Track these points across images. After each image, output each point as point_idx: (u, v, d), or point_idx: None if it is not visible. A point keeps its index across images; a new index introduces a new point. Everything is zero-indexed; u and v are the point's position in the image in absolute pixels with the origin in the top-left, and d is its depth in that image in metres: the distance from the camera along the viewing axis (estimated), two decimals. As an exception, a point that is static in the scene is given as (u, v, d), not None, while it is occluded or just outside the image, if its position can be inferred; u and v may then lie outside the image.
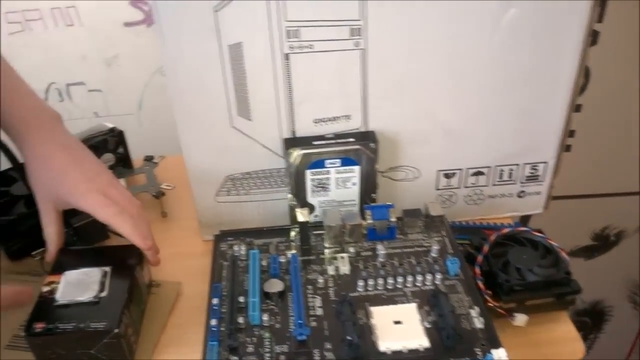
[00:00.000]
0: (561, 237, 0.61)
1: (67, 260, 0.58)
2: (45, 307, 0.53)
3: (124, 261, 0.58)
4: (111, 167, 0.80)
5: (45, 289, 0.55)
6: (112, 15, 1.09)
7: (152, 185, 0.75)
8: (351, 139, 0.60)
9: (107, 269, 0.56)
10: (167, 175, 0.79)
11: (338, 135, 0.61)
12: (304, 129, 0.61)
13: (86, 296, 0.53)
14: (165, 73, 0.57)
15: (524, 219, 0.88)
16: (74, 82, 1.17)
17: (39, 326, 0.51)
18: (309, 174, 0.61)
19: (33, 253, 0.69)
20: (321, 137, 0.61)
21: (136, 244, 0.57)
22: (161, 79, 1.18)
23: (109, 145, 0.80)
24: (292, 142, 0.61)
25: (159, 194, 0.74)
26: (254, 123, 0.61)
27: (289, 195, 0.64)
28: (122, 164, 0.81)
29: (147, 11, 1.10)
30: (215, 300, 0.53)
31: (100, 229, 0.68)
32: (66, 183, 0.58)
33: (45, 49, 1.12)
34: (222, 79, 0.58)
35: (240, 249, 0.59)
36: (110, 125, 0.82)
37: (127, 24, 1.10)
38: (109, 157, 0.80)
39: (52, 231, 0.59)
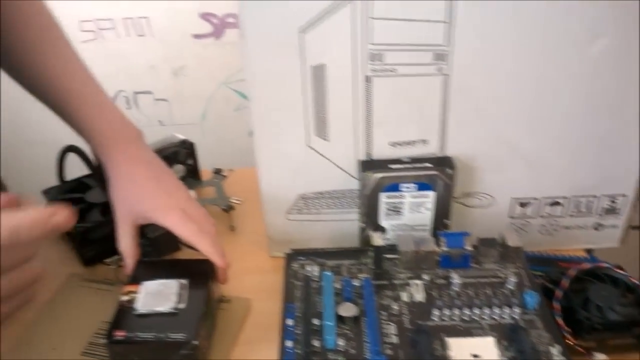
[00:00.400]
0: (629, 268, 0.59)
1: (143, 270, 0.59)
2: (125, 315, 0.54)
3: (198, 274, 0.58)
4: (181, 179, 0.81)
5: (124, 298, 0.56)
6: (182, 26, 1.12)
7: (221, 199, 0.76)
8: (428, 164, 0.60)
9: (184, 281, 0.57)
10: (234, 188, 0.80)
11: (414, 160, 0.61)
12: (380, 151, 0.61)
13: (165, 307, 0.54)
14: (248, 89, 0.58)
15: (589, 249, 0.85)
16: (142, 90, 1.20)
17: (119, 334, 0.52)
18: (383, 197, 0.61)
19: (106, 261, 0.71)
20: (398, 161, 0.60)
21: (215, 261, 0.58)
22: (225, 91, 1.20)
23: (179, 157, 0.82)
24: (368, 165, 0.60)
25: (229, 208, 0.74)
26: (331, 143, 0.61)
27: (360, 217, 0.64)
28: (191, 175, 0.83)
29: (216, 24, 1.12)
30: (289, 321, 0.53)
31: (173, 241, 0.69)
32: (148, 199, 0.59)
33: (116, 58, 1.16)
34: (302, 98, 0.58)
35: (312, 270, 0.59)
36: (182, 137, 0.83)
37: (196, 36, 1.12)
38: (179, 168, 0.82)
39: (130, 245, 0.61)
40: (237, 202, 0.75)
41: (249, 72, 0.57)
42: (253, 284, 0.67)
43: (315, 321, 0.53)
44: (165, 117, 1.22)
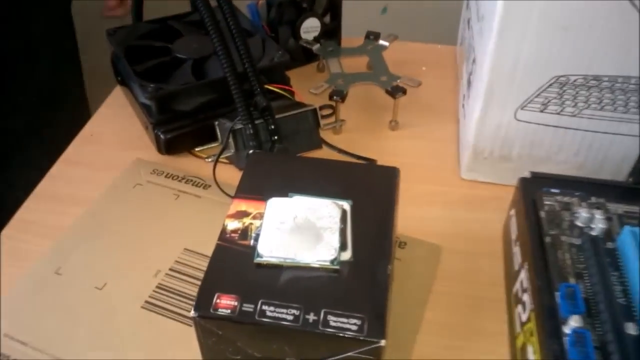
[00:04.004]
0: None
1: (267, 177, 0.33)
2: (233, 264, 0.27)
3: (370, 192, 0.31)
4: (316, 39, 0.53)
5: (233, 225, 0.29)
6: None
7: (383, 75, 0.48)
8: None
9: (346, 204, 0.30)
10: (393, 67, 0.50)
11: None
12: None
13: (317, 257, 0.27)
14: None
15: None
16: None
17: (226, 304, 0.26)
18: None
19: (196, 150, 0.45)
20: None
21: None
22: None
23: (317, 8, 0.53)
24: None
25: (396, 91, 0.46)
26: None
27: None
28: (329, 37, 0.54)
29: None
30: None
31: (312, 133, 0.43)
32: None
33: None
34: None
35: (592, 216, 0.31)
36: (322, -19, 0.54)
37: None
38: (312, 23, 0.53)
39: None
40: (411, 84, 0.47)
41: None
42: (436, 221, 0.40)
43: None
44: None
